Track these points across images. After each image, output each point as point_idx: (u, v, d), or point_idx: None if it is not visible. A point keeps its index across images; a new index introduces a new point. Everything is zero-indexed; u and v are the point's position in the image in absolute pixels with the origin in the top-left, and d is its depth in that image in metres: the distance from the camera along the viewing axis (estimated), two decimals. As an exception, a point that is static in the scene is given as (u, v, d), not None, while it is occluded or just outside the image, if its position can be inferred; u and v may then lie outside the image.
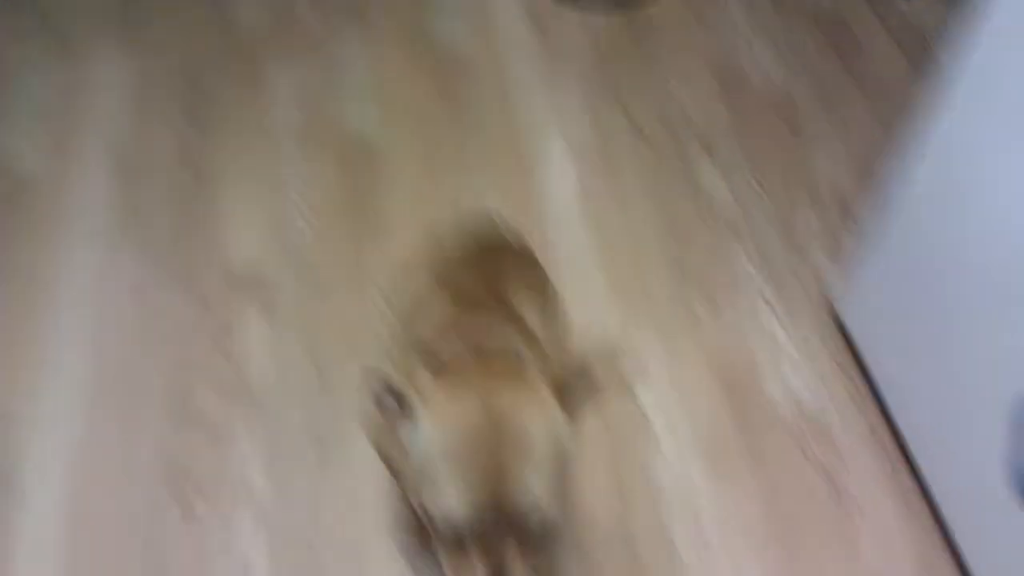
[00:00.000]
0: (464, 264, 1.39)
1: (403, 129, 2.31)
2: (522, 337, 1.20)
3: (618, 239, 2.10)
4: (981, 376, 1.44)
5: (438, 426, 0.94)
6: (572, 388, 0.99)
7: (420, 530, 1.46)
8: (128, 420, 1.80)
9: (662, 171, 2.25)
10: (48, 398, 1.82)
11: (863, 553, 1.64)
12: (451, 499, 0.90)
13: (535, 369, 1.08)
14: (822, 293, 2.00)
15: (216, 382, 1.85)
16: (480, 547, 0.90)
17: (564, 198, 2.18)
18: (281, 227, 2.11)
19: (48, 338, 1.91)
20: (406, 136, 2.29)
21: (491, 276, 1.34)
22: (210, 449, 1.76)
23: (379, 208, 2.15)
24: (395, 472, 1.22)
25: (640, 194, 2.20)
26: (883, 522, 1.68)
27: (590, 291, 2.00)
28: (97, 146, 2.26)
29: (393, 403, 0.97)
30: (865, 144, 2.30)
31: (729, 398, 1.84)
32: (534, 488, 0.90)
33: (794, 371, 1.88)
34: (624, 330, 1.94)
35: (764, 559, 1.63)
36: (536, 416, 0.93)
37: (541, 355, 1.21)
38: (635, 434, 1.78)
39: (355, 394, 1.82)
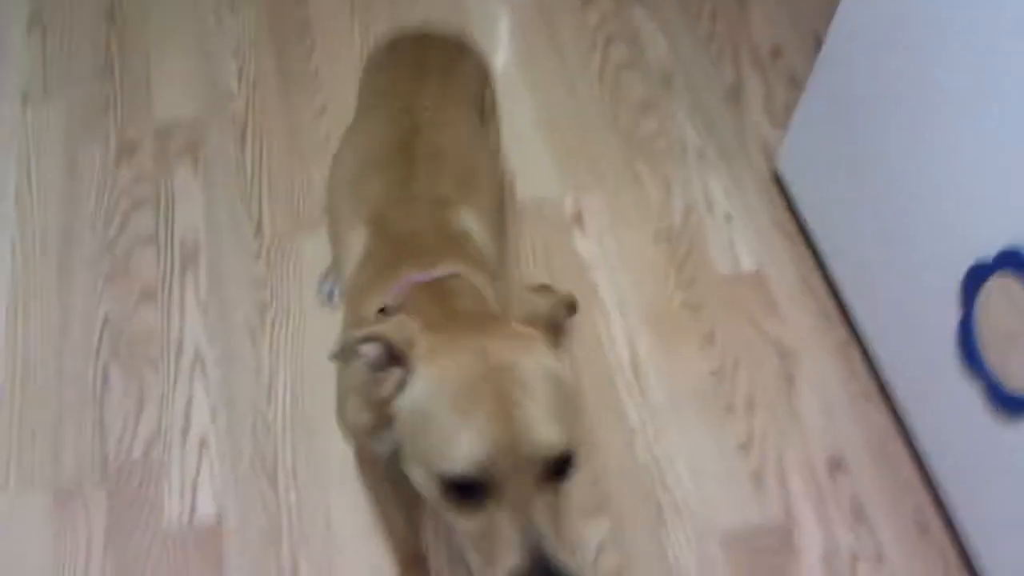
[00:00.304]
0: (392, 60, 1.38)
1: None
2: (473, 268, 1.11)
3: (559, 104, 2.07)
4: (925, 236, 1.45)
5: (437, 378, 0.85)
6: (550, 322, 0.92)
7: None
8: (58, 279, 1.75)
9: (600, 30, 2.20)
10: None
11: (801, 400, 1.68)
12: (463, 447, 0.80)
13: (510, 312, 0.96)
14: (763, 152, 2.00)
15: (148, 236, 1.80)
16: (503, 500, 0.81)
17: (505, 62, 2.13)
18: (212, 83, 2.03)
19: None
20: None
21: (419, 73, 1.32)
22: (147, 307, 1.72)
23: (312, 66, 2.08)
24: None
25: (577, 52, 2.15)
26: (820, 373, 1.72)
27: (535, 157, 1.98)
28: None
29: (381, 363, 0.89)
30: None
31: (670, 255, 1.85)
32: (547, 422, 0.82)
33: (734, 229, 1.89)
34: (569, 193, 1.92)
35: (704, 420, 1.66)
36: (532, 357, 0.86)
37: (500, 285, 1.15)
38: (578, 289, 1.78)
39: (289, 238, 1.79)
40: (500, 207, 1.37)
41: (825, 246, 1.79)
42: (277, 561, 1.48)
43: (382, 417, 0.94)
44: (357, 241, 1.16)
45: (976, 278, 1.33)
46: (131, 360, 1.67)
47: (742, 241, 1.87)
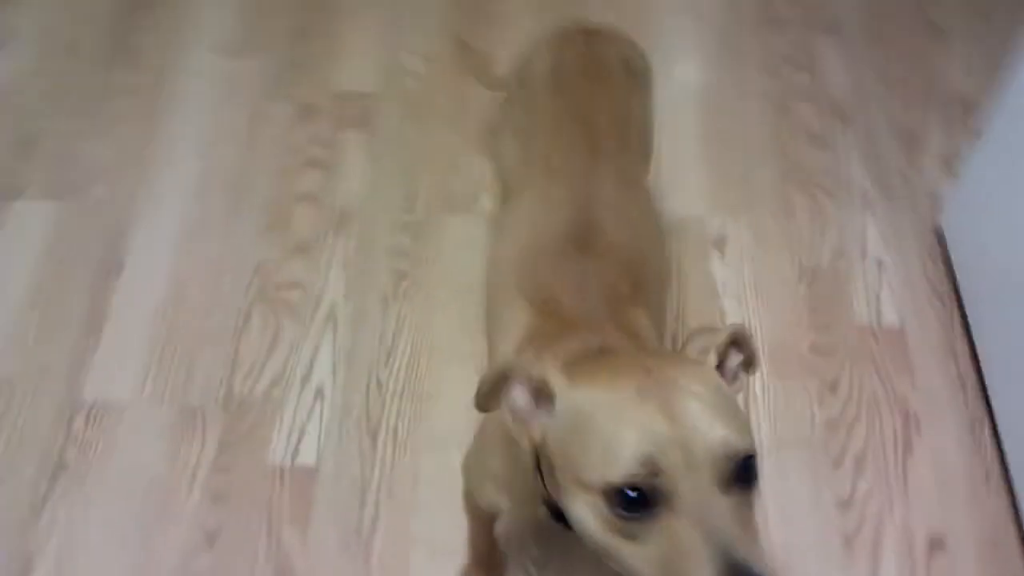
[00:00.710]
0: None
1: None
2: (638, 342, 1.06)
3: (726, 124, 2.05)
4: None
5: (590, 390, 0.80)
6: (725, 353, 0.86)
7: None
8: (225, 219, 1.91)
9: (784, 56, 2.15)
10: (160, 194, 1.96)
11: (916, 469, 1.60)
12: (627, 445, 0.73)
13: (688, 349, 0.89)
14: (931, 204, 1.90)
15: (311, 195, 1.93)
16: (680, 509, 0.72)
17: (682, 71, 2.13)
18: (393, 58, 2.15)
19: (165, 138, 2.04)
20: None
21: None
22: (298, 259, 1.85)
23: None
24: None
25: (755, 73, 2.12)
26: (942, 445, 1.62)
27: (689, 174, 1.97)
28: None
29: (526, 398, 0.84)
30: (1003, 47, 2.13)
31: (810, 294, 1.79)
32: (718, 419, 0.75)
33: (884, 279, 1.81)
34: (717, 216, 1.90)
35: (809, 469, 1.60)
36: (700, 373, 0.80)
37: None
38: (706, 312, 1.76)
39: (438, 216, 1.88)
40: (665, 296, 1.33)
41: (976, 314, 1.68)
42: (360, 510, 1.56)
43: (521, 498, 0.96)
44: (520, 319, 1.11)
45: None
46: (273, 305, 1.80)
47: (889, 293, 1.79)
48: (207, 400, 1.68)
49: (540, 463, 0.88)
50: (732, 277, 1.82)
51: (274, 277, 1.84)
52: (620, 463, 0.73)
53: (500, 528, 1.43)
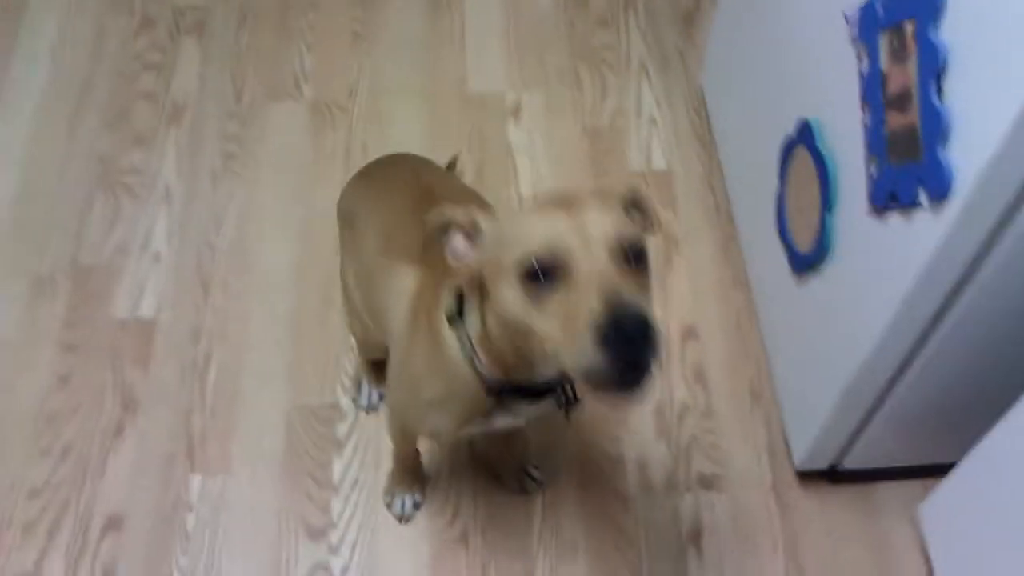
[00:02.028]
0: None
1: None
2: None
3: (524, 9, 2.30)
4: (773, 103, 1.61)
5: (510, 212, 1.03)
6: (626, 201, 0.99)
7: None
8: (71, 120, 2.09)
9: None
10: (10, 98, 2.13)
11: (676, 276, 1.88)
12: (536, 232, 0.89)
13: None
14: (697, 69, 2.18)
15: (148, 94, 2.13)
16: (581, 278, 0.86)
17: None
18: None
19: (18, 53, 2.21)
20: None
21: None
22: (136, 149, 2.05)
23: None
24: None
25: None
26: (697, 260, 1.90)
27: (492, 58, 2.22)
28: None
29: (462, 242, 1.00)
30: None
31: (592, 150, 2.05)
32: (611, 213, 0.90)
33: (653, 132, 2.08)
34: (512, 89, 2.15)
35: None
36: (596, 202, 0.93)
37: None
38: (501, 169, 2.01)
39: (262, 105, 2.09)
40: None
41: (725, 154, 1.96)
42: (195, 348, 1.78)
43: (465, 418, 1.14)
44: (405, 278, 1.23)
45: (786, 152, 1.51)
46: (114, 188, 1.99)
47: (659, 143, 2.06)
48: (56, 269, 1.87)
49: (467, 310, 1.06)
50: (525, 139, 2.07)
51: (115, 165, 2.03)
52: (528, 246, 0.89)
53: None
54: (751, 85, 1.73)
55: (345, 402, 1.72)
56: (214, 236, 1.93)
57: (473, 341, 1.07)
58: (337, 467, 1.66)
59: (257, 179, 2.01)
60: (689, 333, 1.81)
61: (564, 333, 0.85)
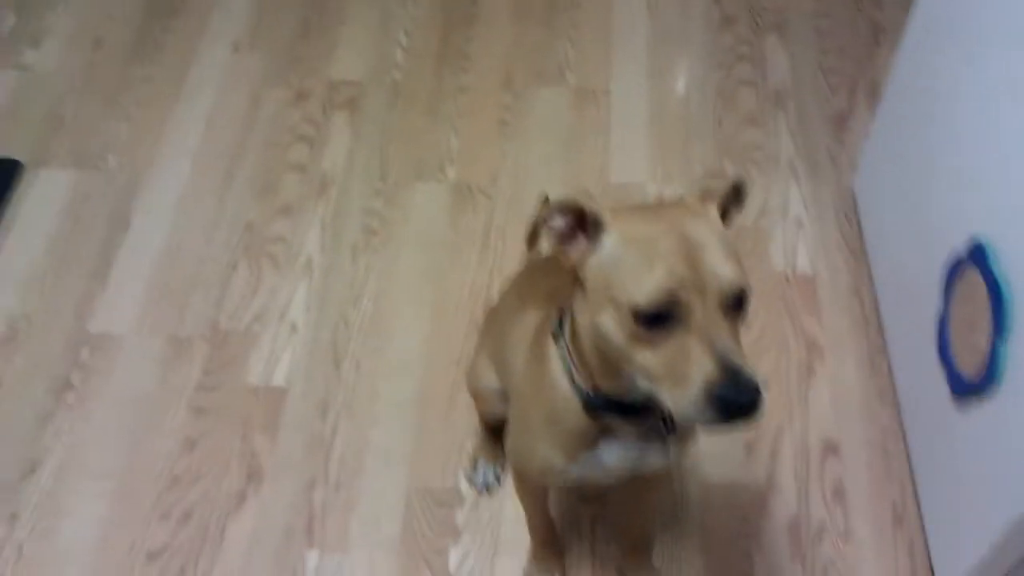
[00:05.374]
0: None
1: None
2: None
3: (671, 102, 2.28)
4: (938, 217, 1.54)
5: (626, 231, 0.96)
6: (722, 199, 1.02)
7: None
8: (221, 186, 2.17)
9: (732, 50, 2.39)
10: (165, 161, 2.23)
11: (818, 388, 1.79)
12: (654, 278, 0.90)
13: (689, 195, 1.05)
14: (850, 172, 2.11)
15: (298, 165, 2.19)
16: (691, 326, 0.89)
17: (635, 48, 2.38)
18: (383, 52, 2.42)
19: (175, 115, 2.32)
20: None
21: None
22: (283, 219, 2.10)
23: (467, 52, 2.42)
24: None
25: (701, 55, 2.36)
26: (841, 371, 1.81)
27: (636, 149, 2.21)
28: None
29: (565, 224, 0.99)
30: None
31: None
32: (725, 260, 0.92)
33: (799, 235, 2.01)
34: (654, 182, 2.13)
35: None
36: (704, 220, 0.96)
37: None
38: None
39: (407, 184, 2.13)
40: None
41: (877, 263, 1.88)
42: (323, 422, 1.78)
43: (573, 448, 1.15)
44: (530, 317, 1.26)
45: (952, 270, 1.42)
46: (258, 257, 2.04)
47: (804, 246, 1.99)
48: (195, 333, 1.92)
49: (563, 312, 1.09)
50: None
51: (260, 233, 2.08)
52: (649, 292, 0.90)
53: (553, 510, 1.60)
54: (912, 194, 1.65)
55: (465, 487, 1.69)
56: (350, 310, 1.95)
57: (568, 345, 1.08)
58: (454, 555, 1.62)
59: (396, 257, 2.03)
60: (829, 448, 1.71)
61: (667, 376, 0.91)
